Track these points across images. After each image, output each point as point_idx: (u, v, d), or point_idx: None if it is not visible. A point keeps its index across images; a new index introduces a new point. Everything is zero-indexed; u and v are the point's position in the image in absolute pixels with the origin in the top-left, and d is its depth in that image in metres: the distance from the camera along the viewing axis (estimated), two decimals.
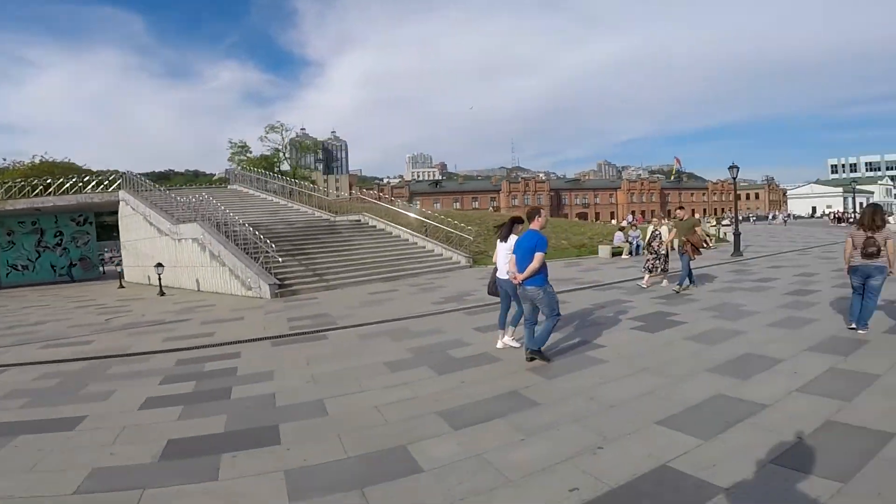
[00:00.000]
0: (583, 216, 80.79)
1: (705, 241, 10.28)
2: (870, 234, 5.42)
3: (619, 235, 20.41)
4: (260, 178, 27.38)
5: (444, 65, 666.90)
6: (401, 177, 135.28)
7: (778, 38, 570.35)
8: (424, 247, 17.79)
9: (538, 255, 4.87)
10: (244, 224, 14.20)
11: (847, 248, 5.69)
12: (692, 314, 7.25)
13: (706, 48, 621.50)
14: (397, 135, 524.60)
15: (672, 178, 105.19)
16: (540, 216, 5.15)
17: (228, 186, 29.89)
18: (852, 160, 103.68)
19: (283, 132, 51.02)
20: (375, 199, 26.01)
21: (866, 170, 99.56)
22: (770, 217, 59.83)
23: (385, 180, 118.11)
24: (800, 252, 16.88)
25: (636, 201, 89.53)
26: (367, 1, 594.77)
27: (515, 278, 5.04)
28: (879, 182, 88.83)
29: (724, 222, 36.85)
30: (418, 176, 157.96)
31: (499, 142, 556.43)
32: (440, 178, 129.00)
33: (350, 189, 69.41)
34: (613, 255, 17.89)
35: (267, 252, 12.81)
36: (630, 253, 17.72)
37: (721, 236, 25.40)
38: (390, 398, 4.39)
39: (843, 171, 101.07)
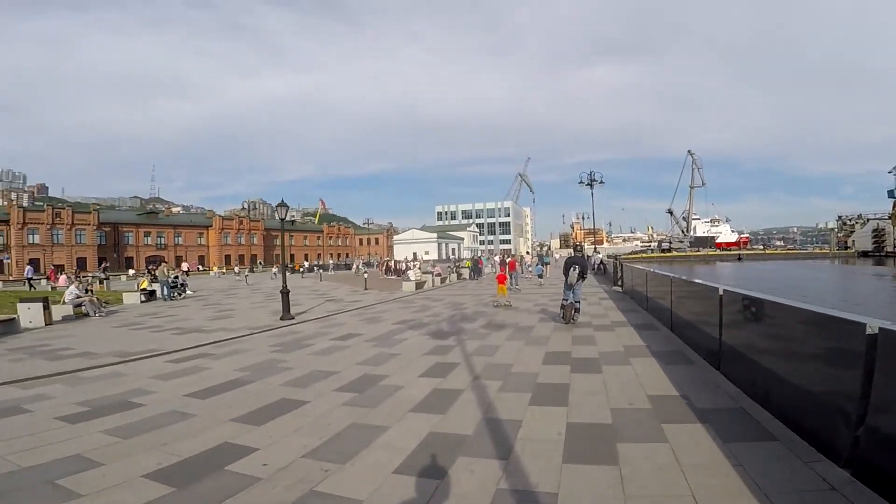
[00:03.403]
0: (155, 261, 67.62)
1: None
2: None
3: (71, 290, 15.63)
4: None
5: (75, 70, 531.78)
6: None
7: (423, 101, 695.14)
8: None
9: None
10: None
11: None
12: None
13: (364, 100, 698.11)
14: None
15: (317, 220, 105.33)
16: None
17: None
18: (452, 208, 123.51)
19: None
20: None
21: (462, 217, 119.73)
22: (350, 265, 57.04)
23: None
24: None
25: (232, 243, 79.59)
26: None
27: None
28: (468, 229, 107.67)
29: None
30: None
31: (136, 167, 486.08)
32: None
33: None
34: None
35: None
36: None
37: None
38: None
39: (446, 219, 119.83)
